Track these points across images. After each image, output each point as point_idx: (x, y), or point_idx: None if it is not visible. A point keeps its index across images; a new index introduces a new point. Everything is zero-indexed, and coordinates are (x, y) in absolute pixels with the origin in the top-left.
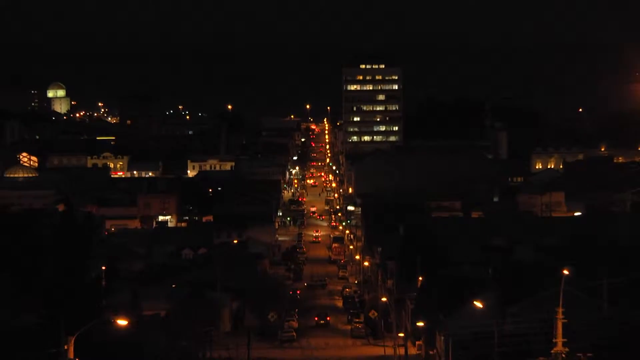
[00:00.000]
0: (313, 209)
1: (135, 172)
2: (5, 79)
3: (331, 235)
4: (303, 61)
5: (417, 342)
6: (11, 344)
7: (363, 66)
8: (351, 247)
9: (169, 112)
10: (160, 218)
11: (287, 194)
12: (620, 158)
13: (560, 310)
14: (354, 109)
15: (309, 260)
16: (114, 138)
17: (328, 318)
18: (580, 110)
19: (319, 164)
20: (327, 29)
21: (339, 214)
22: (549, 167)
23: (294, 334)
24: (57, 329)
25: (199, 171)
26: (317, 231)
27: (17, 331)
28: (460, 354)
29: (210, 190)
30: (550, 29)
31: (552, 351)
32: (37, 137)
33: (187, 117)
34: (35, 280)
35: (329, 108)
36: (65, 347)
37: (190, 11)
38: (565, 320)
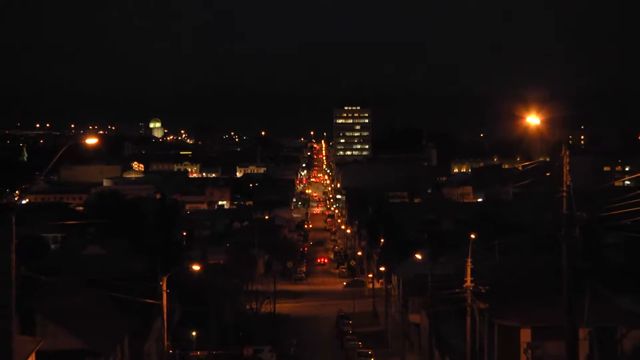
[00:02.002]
0: (315, 196)
1: (204, 173)
2: (124, 115)
3: (326, 213)
4: (308, 104)
5: (380, 280)
6: (128, 281)
7: (346, 108)
8: (339, 220)
9: (225, 136)
10: (219, 202)
11: (299, 187)
12: (506, 165)
13: (469, 260)
14: (340, 134)
15: (312, 229)
16: (190, 152)
17: (326, 260)
18: (482, 135)
19: (319, 168)
20: (322, 82)
21: (331, 200)
22: (461, 170)
23: (303, 275)
24: (156, 271)
25: (243, 173)
26: (317, 210)
27: (131, 274)
28: (406, 287)
29: (250, 185)
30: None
31: (464, 285)
32: (143, 152)
33: (236, 139)
34: (142, 242)
35: (325, 133)
36: (161, 283)
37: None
38: (472, 266)
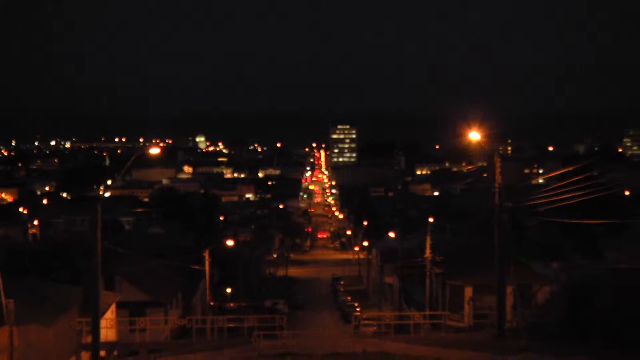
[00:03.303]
0: (316, 191)
1: (235, 174)
2: (178, 131)
3: (324, 202)
4: (311, 123)
5: (364, 252)
6: (179, 254)
7: (339, 126)
8: (333, 208)
9: (251, 147)
10: (247, 195)
11: (304, 184)
12: (454, 168)
13: (428, 237)
14: (335, 146)
15: (314, 215)
16: (226, 159)
17: (325, 234)
18: (437, 146)
19: (319, 170)
20: (320, 103)
21: (328, 193)
22: (423, 172)
23: (308, 248)
24: (200, 245)
25: (264, 174)
26: (318, 200)
27: (183, 247)
28: (382, 257)
29: (269, 182)
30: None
31: (424, 256)
32: (191, 159)
33: (259, 149)
34: (190, 224)
35: (323, 145)
36: (204, 254)
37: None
38: (430, 242)
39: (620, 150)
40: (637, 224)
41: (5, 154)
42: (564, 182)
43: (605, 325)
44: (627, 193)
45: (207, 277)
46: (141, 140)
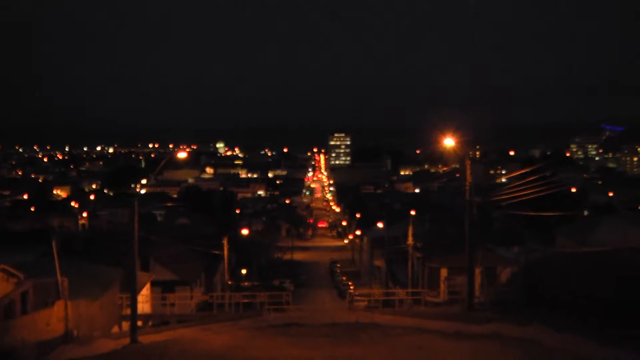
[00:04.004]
0: (317, 188)
1: (249, 175)
2: (201, 138)
3: (324, 198)
4: (313, 132)
5: (357, 239)
6: (202, 241)
7: (336, 135)
8: (331, 203)
9: (262, 152)
10: (258, 192)
11: (307, 182)
12: (432, 169)
13: (410, 227)
14: (332, 151)
15: (315, 208)
16: (241, 162)
17: (325, 223)
18: (418, 151)
19: (319, 171)
20: (321, 116)
21: (327, 190)
22: (406, 173)
23: (310, 236)
24: (220, 234)
25: (273, 174)
26: (318, 196)
27: (204, 236)
28: (372, 244)
29: (277, 182)
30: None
31: (407, 242)
32: (212, 162)
33: (269, 154)
34: (212, 216)
35: (323, 150)
36: (223, 242)
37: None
38: (412, 231)
39: (568, 154)
40: (580, 215)
41: (60, 157)
42: (523, 181)
43: (553, 297)
44: (573, 190)
45: (226, 260)
46: (171, 146)
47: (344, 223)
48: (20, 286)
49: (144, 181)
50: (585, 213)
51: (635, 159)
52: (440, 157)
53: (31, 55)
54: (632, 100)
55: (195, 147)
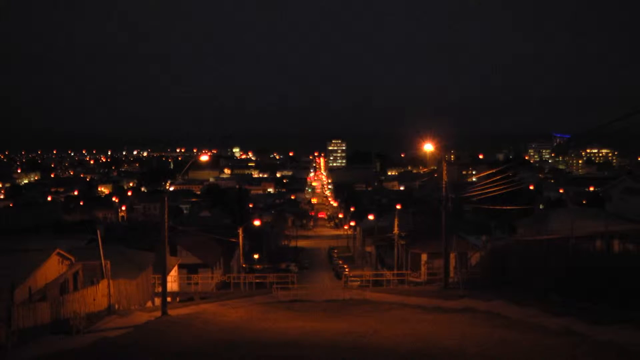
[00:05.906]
0: (317, 186)
1: (260, 174)
2: (220, 144)
3: (323, 194)
4: (315, 138)
5: (351, 229)
6: (221, 230)
7: (333, 141)
8: (330, 198)
9: (271, 156)
10: (268, 190)
11: (309, 181)
12: (415, 170)
13: (396, 218)
14: (330, 154)
15: (316, 203)
16: (254, 164)
17: (325, 214)
18: (402, 155)
19: (320, 172)
20: (321, 124)
21: (326, 188)
22: (393, 173)
23: (311, 227)
24: (236, 224)
25: (281, 175)
26: (318, 191)
27: (223, 226)
28: (364, 233)
29: (284, 180)
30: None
31: (393, 232)
32: (230, 164)
33: (277, 157)
34: (229, 209)
35: (322, 153)
36: (239, 231)
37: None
38: (398, 222)
39: (526, 157)
40: (537, 209)
41: (104, 160)
42: (489, 180)
43: (515, 277)
44: (531, 187)
45: (241, 247)
46: (195, 150)
47: (341, 215)
48: (72, 267)
49: (172, 180)
50: (541, 207)
51: (580, 161)
52: (421, 159)
53: (96, 75)
54: (576, 111)
55: (215, 152)
